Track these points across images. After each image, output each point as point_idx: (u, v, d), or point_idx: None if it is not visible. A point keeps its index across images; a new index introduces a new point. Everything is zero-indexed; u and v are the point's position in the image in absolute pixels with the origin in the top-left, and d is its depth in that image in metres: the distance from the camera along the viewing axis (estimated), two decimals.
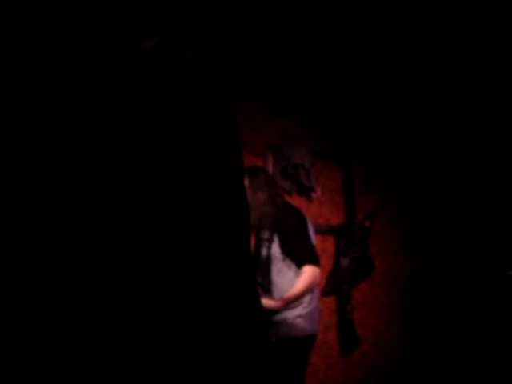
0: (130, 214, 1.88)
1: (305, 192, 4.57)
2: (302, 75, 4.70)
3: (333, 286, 4.55)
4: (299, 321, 3.32)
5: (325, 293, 4.53)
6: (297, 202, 4.45)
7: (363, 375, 4.63)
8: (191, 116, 1.82)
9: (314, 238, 3.52)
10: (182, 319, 1.76)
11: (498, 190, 4.96)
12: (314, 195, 4.63)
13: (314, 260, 3.37)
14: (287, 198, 4.42)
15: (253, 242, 3.66)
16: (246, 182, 3.36)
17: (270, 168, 4.44)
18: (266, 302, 3.16)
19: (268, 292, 3.32)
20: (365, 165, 4.90)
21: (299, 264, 3.34)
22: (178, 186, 1.74)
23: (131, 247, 1.89)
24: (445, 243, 5.04)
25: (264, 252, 3.37)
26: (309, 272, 3.31)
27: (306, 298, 3.36)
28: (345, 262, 4.54)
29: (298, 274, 3.33)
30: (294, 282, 3.32)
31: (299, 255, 3.35)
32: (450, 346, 4.88)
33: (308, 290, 3.32)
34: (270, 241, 3.37)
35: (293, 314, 3.31)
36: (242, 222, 1.88)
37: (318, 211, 4.64)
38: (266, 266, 3.35)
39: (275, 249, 3.36)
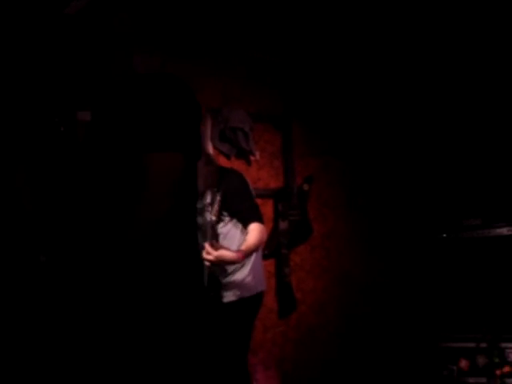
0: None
1: (243, 155, 4.54)
2: (242, 37, 4.64)
3: (271, 249, 4.56)
4: (248, 280, 3.33)
5: (263, 256, 4.53)
6: (236, 165, 4.42)
7: (301, 337, 4.68)
8: (152, 96, 1.74)
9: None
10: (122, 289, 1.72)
11: (434, 155, 5.04)
12: (252, 158, 4.60)
13: (259, 218, 3.34)
14: (226, 161, 4.41)
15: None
16: None
17: (208, 130, 4.38)
18: (227, 253, 3.08)
19: None
20: (305, 128, 4.90)
21: (245, 222, 3.30)
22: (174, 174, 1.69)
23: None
24: (382, 207, 5.12)
25: (208, 217, 3.32)
26: (257, 228, 3.27)
27: (252, 258, 3.37)
28: (283, 225, 4.55)
29: (244, 234, 3.30)
30: (241, 242, 3.28)
31: (245, 214, 3.31)
32: (386, 307, 4.98)
33: (259, 244, 3.28)
34: (213, 203, 3.33)
35: (240, 275, 3.32)
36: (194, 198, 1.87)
37: (257, 175, 4.62)
38: (212, 230, 3.31)
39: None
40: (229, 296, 3.31)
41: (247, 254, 3.21)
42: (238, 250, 3.17)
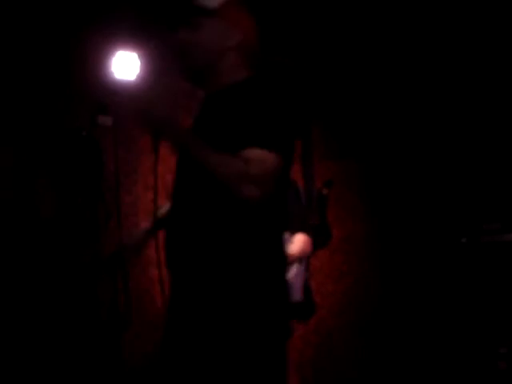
0: None
1: None
2: (262, 41, 4.62)
3: None
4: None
5: None
6: None
7: (321, 341, 4.69)
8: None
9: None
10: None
11: (455, 159, 5.02)
12: None
13: (307, 228, 3.26)
14: None
15: None
16: None
17: None
18: None
19: None
20: (324, 132, 4.89)
21: (292, 230, 3.19)
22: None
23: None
24: (402, 211, 5.10)
25: None
26: (302, 240, 3.21)
27: (292, 269, 3.27)
28: None
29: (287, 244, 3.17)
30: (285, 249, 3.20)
31: (293, 221, 3.17)
32: (406, 311, 4.97)
33: (299, 256, 3.21)
34: None
35: None
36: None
37: None
38: None
39: None
40: None
41: None
42: None
